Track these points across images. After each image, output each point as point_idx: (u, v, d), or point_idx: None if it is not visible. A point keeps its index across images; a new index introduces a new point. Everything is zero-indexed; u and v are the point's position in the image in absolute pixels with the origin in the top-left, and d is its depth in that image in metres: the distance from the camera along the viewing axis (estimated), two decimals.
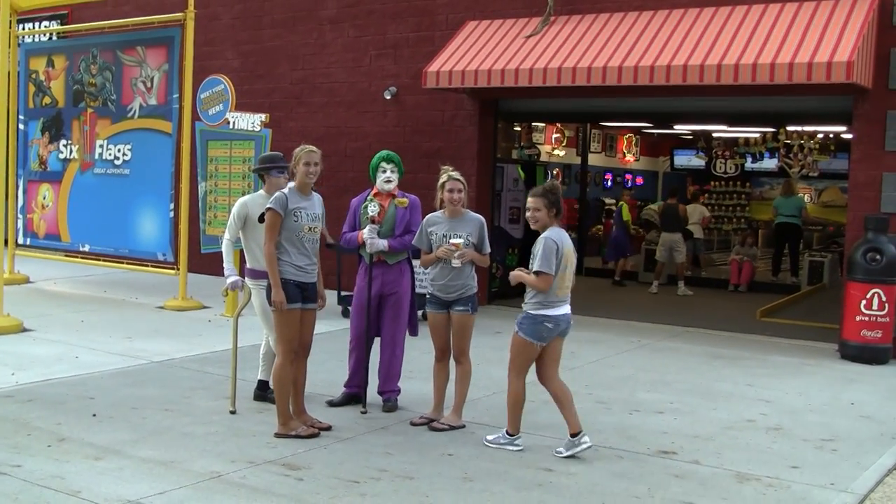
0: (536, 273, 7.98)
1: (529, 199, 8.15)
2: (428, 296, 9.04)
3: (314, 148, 8.62)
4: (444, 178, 8.93)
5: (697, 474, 7.73)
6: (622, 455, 8.17)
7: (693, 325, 15.28)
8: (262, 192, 9.18)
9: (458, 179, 8.91)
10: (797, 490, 7.38)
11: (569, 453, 8.03)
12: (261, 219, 8.70)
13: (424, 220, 9.11)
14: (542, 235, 8.07)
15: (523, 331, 8.12)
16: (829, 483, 7.56)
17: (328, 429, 8.61)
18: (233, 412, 9.01)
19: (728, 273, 21.08)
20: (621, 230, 21.08)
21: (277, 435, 8.35)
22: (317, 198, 8.66)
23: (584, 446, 8.05)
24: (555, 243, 7.99)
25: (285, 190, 8.48)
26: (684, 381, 11.19)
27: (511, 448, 8.24)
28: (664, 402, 10.12)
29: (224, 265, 9.15)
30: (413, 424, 8.91)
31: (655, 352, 13.03)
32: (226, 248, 9.14)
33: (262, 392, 9.38)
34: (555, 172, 27.21)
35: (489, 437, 8.43)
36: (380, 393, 9.48)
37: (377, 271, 9.32)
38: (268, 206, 8.38)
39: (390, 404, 9.34)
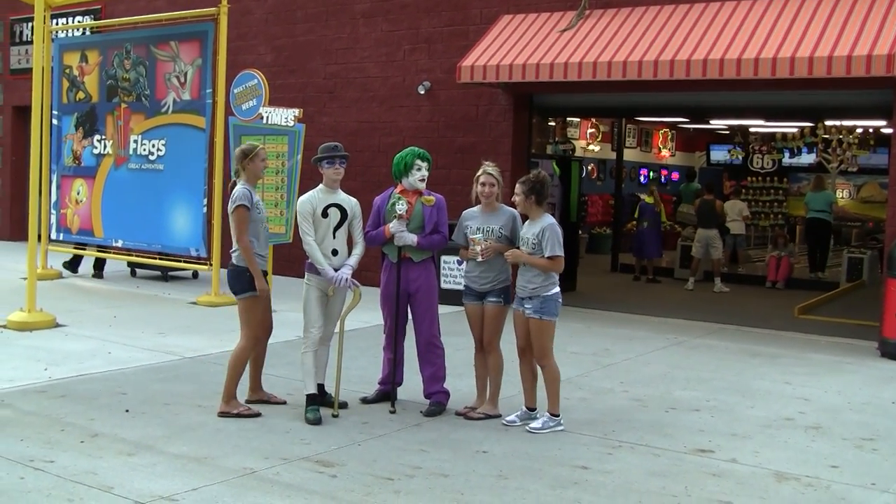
0: (553, 257, 8.52)
1: (518, 185, 8.83)
2: (464, 288, 9.18)
3: (261, 146, 9.38)
4: (479, 171, 9.08)
5: (735, 473, 7.65)
6: (658, 453, 8.10)
7: (730, 322, 15.18)
8: (320, 186, 9.11)
9: (492, 174, 9.00)
10: (837, 490, 7.29)
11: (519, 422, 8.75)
12: (324, 213, 8.91)
13: (462, 214, 9.20)
14: (538, 222, 8.67)
15: (548, 313, 8.58)
16: (871, 483, 7.47)
17: (283, 403, 9.23)
18: (335, 416, 8.95)
19: (765, 269, 20.95)
20: (655, 226, 20.93)
21: (220, 414, 8.78)
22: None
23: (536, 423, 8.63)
24: (560, 228, 8.70)
25: (245, 185, 8.92)
26: (721, 378, 11.10)
27: (560, 429, 8.60)
28: (701, 399, 10.03)
29: (319, 265, 8.89)
30: (458, 414, 9.06)
31: (691, 349, 12.95)
32: (312, 247, 8.99)
33: (322, 396, 9.22)
34: (590, 168, 27.17)
35: (534, 425, 8.63)
36: (426, 396, 9.35)
37: (402, 269, 9.21)
38: (237, 203, 8.79)
39: (432, 409, 9.16)
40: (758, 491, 7.23)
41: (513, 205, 8.98)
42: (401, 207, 9.06)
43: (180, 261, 16.56)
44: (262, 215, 8.95)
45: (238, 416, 8.73)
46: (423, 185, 9.23)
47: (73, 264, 18.74)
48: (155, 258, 17.23)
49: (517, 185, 8.79)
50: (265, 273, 9.02)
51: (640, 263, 21.07)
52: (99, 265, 18.74)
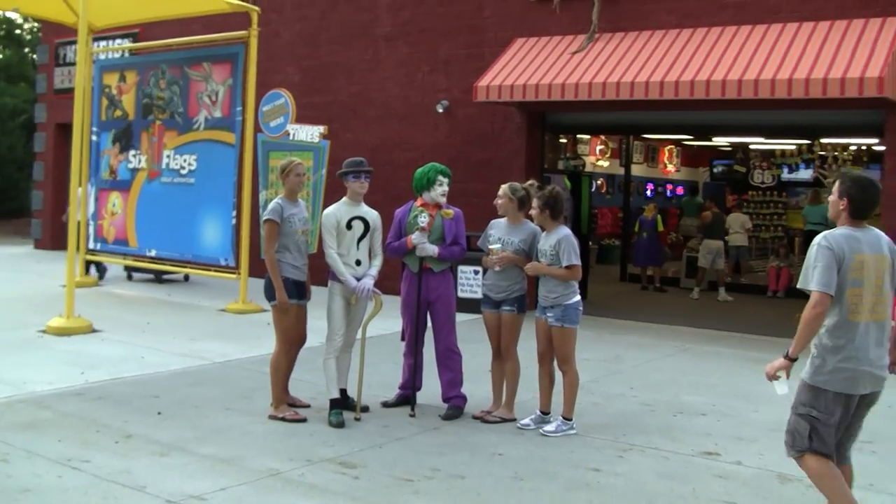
0: (570, 266, 8.48)
1: (534, 199, 8.78)
2: (482, 296, 9.15)
3: (300, 160, 9.30)
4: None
5: (740, 475, 7.55)
6: (667, 456, 8.01)
7: (733, 329, 15.06)
8: (344, 199, 9.04)
9: (505, 189, 9.05)
10: None
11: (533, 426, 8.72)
12: (348, 226, 8.86)
13: (490, 224, 9.23)
14: (553, 233, 8.63)
15: (570, 321, 8.54)
16: (869, 484, 7.35)
17: (307, 406, 9.18)
18: (358, 419, 8.87)
19: (766, 279, 20.83)
20: (653, 238, 20.86)
21: (270, 417, 8.78)
22: (302, 203, 9.20)
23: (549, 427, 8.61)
24: (575, 239, 8.66)
25: (279, 200, 8.93)
26: (726, 384, 11.00)
27: (573, 432, 8.55)
28: (707, 404, 9.94)
29: (341, 276, 8.80)
30: (475, 418, 9.01)
31: (698, 356, 12.84)
32: (334, 258, 8.90)
33: (345, 400, 9.08)
34: (599, 182, 27.06)
35: (548, 429, 8.58)
36: (444, 400, 9.28)
37: (423, 278, 9.17)
38: (265, 217, 8.83)
39: (450, 412, 9.09)
40: (762, 492, 7.16)
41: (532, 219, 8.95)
42: (423, 220, 9.02)
43: (211, 269, 16.50)
44: (294, 227, 8.84)
45: (283, 419, 8.70)
46: (444, 200, 9.20)
47: (99, 271, 19.03)
48: (186, 266, 17.20)
49: (534, 199, 8.76)
50: (304, 284, 9.01)
51: (646, 273, 20.99)
52: (101, 269, 19.17)
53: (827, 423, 5.84)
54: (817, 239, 5.87)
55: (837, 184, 6.04)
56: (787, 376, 5.88)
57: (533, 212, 8.75)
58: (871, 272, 5.84)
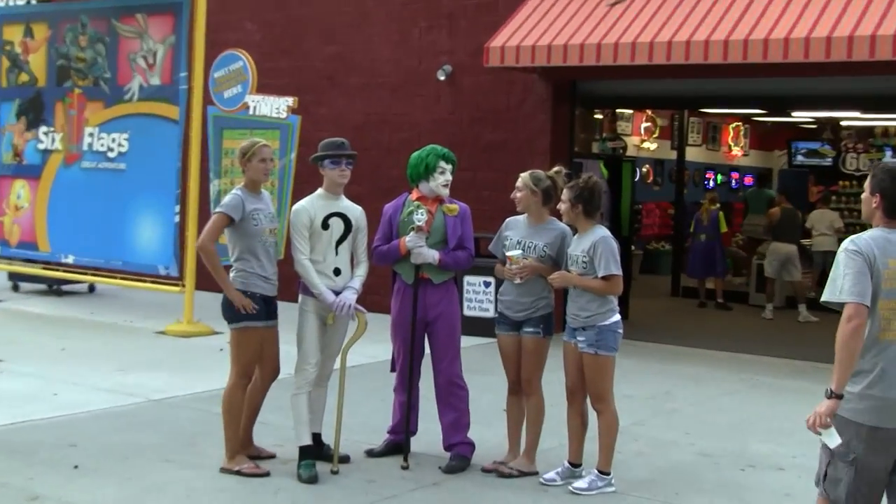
0: (608, 277, 8.42)
1: (564, 190, 8.80)
2: (497, 315, 9.14)
3: (265, 142, 9.13)
4: None
5: None
6: None
7: (820, 359, 14.96)
8: (319, 191, 9.06)
9: (521, 177, 9.02)
10: None
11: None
12: (325, 224, 8.88)
13: (504, 222, 9.20)
14: (587, 235, 8.61)
15: (606, 347, 8.49)
16: None
17: (271, 456, 9.14)
18: (335, 472, 8.87)
19: None
20: (714, 241, 20.87)
21: (222, 470, 8.72)
22: (267, 195, 9.17)
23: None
24: (616, 242, 8.65)
25: (238, 191, 8.83)
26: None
27: (611, 490, 8.52)
28: (785, 456, 9.92)
29: (315, 287, 8.80)
30: (485, 471, 8.97)
31: (774, 392, 12.84)
32: (306, 266, 8.90)
33: (319, 448, 9.12)
34: (645, 170, 27.10)
35: (579, 485, 8.56)
36: (447, 448, 9.27)
37: (420, 292, 9.14)
38: (217, 209, 8.78)
39: (454, 464, 9.08)
40: None
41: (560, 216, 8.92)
42: (420, 217, 8.96)
43: (147, 280, 16.51)
44: (260, 226, 8.79)
45: (239, 473, 8.66)
46: (446, 192, 9.19)
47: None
48: (116, 277, 17.19)
49: (563, 191, 8.77)
50: (275, 300, 8.98)
51: (705, 286, 21.01)
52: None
53: (844, 459, 5.86)
54: (844, 243, 5.96)
55: (869, 177, 6.14)
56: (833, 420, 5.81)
57: (561, 207, 8.74)
58: None
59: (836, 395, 5.79)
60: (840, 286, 5.84)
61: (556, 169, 9.20)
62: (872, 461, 5.86)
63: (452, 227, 9.12)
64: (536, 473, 8.88)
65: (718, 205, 21.43)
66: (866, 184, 6.15)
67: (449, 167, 9.18)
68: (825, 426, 5.78)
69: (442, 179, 9.11)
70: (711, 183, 29.33)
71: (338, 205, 8.99)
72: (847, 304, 5.79)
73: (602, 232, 8.63)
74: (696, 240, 21.08)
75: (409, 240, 8.97)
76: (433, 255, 9.00)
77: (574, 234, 8.77)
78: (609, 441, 8.62)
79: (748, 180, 30.33)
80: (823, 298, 5.96)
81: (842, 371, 5.79)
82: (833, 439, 5.81)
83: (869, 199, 6.10)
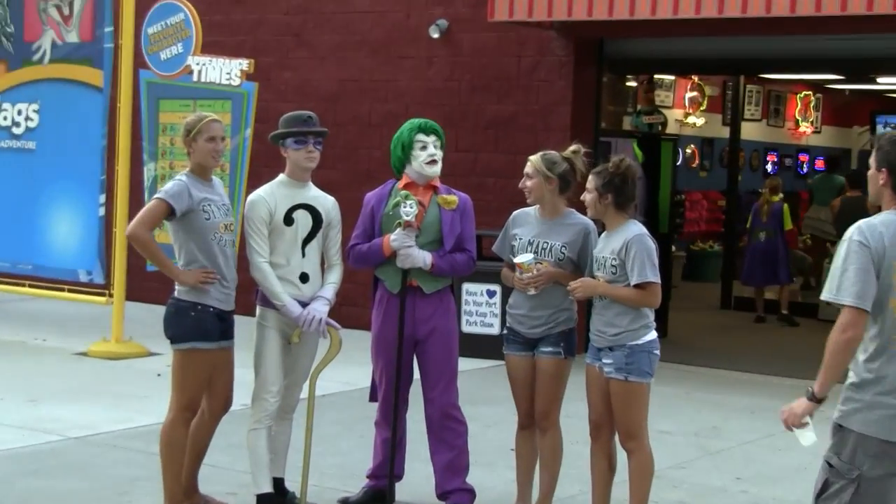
0: (643, 285, 8.26)
1: (590, 177, 8.63)
2: (506, 331, 9.11)
3: (216, 116, 9.02)
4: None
5: None
6: None
7: None
8: (281, 177, 9.11)
9: (531, 161, 8.94)
10: None
11: None
12: (288, 219, 8.88)
13: (511, 217, 9.15)
14: (618, 233, 8.49)
15: (638, 372, 8.35)
16: None
17: None
18: None
19: None
20: (776, 240, 20.86)
21: None
22: (218, 181, 9.13)
23: None
24: (653, 241, 8.48)
25: (183, 177, 8.73)
26: None
27: None
28: None
29: (276, 297, 8.81)
30: None
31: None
32: (265, 271, 8.88)
33: (282, 497, 9.21)
34: (690, 151, 27.14)
35: None
36: (440, 496, 9.30)
37: (408, 303, 9.14)
38: (156, 195, 8.73)
39: None
40: None
41: (579, 209, 8.91)
42: (407, 211, 8.87)
43: (65, 289, 16.55)
44: (213, 220, 8.69)
45: None
46: (435, 172, 9.14)
47: None
48: (24, 285, 17.18)
49: (589, 178, 8.65)
50: (231, 315, 8.90)
51: (763, 296, 21.03)
52: None
53: (847, 475, 6.12)
54: (849, 231, 6.28)
55: (873, 151, 6.43)
56: (811, 419, 6.26)
57: (586, 198, 8.64)
58: None
59: (816, 399, 6.19)
60: (837, 285, 6.14)
61: (573, 148, 9.11)
62: (878, 477, 6.11)
63: (450, 224, 9.09)
64: None
65: (782, 195, 21.39)
66: (871, 159, 6.43)
67: (431, 139, 9.12)
68: (800, 426, 6.26)
69: (424, 155, 9.06)
70: (773, 168, 29.36)
71: (304, 194, 9.01)
72: (844, 307, 6.09)
73: (637, 229, 8.50)
74: (755, 239, 21.06)
75: (394, 238, 8.91)
76: (424, 259, 8.96)
77: (600, 232, 8.76)
78: (642, 488, 8.58)
79: (819, 164, 30.36)
80: (823, 296, 6.26)
81: (828, 376, 6.18)
82: (808, 437, 6.23)
83: (875, 176, 6.39)
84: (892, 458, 6.06)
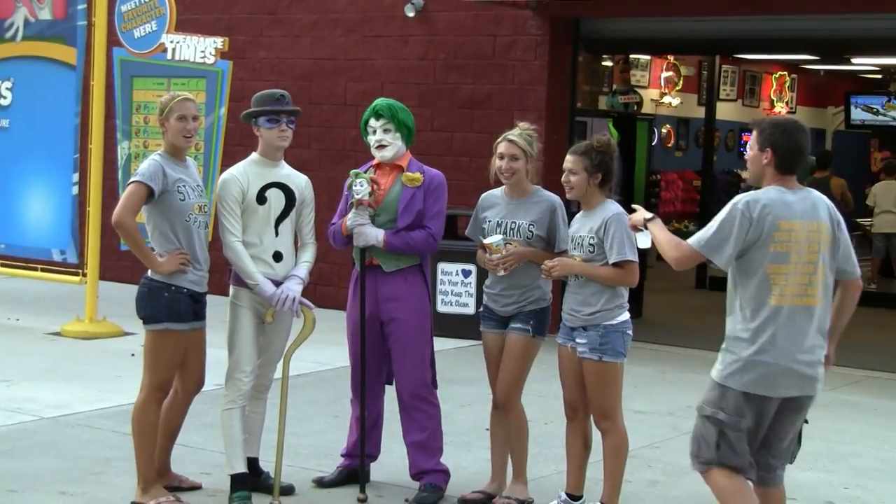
0: (621, 263, 8.32)
1: (567, 158, 8.64)
2: (482, 309, 9.15)
3: (189, 95, 8.94)
4: (500, 138, 8.98)
5: None
6: None
7: (880, 367, 15.11)
8: (253, 156, 9.07)
9: (515, 141, 8.89)
10: None
11: None
12: (261, 198, 8.84)
13: (480, 200, 9.16)
14: (596, 212, 8.52)
15: (612, 352, 8.39)
16: None
17: (197, 487, 9.13)
18: None
19: None
20: None
21: None
22: (192, 161, 9.07)
23: None
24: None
25: (157, 157, 8.69)
26: (867, 454, 11.09)
27: None
28: (836, 485, 10.02)
29: (250, 277, 8.76)
30: (465, 502, 8.97)
31: (821, 408, 12.84)
32: (238, 250, 8.85)
33: (256, 477, 9.17)
34: (665, 131, 27.17)
35: None
36: (414, 476, 9.25)
37: (369, 282, 9.14)
38: (133, 178, 8.63)
39: (424, 496, 9.06)
40: None
41: (558, 189, 8.88)
42: (359, 190, 8.90)
43: (38, 268, 16.50)
44: (187, 202, 8.66)
45: None
46: (385, 156, 9.10)
47: None
48: None
49: (572, 159, 8.58)
50: (204, 296, 8.89)
51: None
52: None
53: (736, 427, 6.95)
54: (738, 198, 7.04)
55: (755, 133, 7.21)
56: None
57: (573, 178, 8.59)
58: (801, 245, 6.98)
59: (650, 220, 7.50)
60: (706, 237, 7.05)
61: (525, 125, 9.12)
62: (755, 426, 7.04)
63: (409, 201, 9.04)
64: (532, 502, 8.88)
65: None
66: (752, 141, 7.22)
67: (380, 123, 9.08)
68: (638, 231, 7.60)
69: (374, 140, 9.09)
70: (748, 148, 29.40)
71: (277, 173, 8.98)
72: (695, 249, 7.11)
73: (615, 208, 8.49)
74: None
75: (348, 218, 8.94)
76: (377, 236, 8.93)
77: (569, 209, 8.75)
78: (616, 468, 8.57)
79: None
80: (689, 240, 7.19)
81: (658, 232, 7.41)
82: (644, 240, 7.58)
83: (758, 157, 7.15)
84: (766, 409, 6.96)
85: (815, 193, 7.27)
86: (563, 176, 8.56)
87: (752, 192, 7.04)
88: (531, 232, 8.82)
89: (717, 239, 6.96)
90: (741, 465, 6.98)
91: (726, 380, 6.98)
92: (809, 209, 7.06)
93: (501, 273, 8.76)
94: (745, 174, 21.34)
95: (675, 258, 7.21)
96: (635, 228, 7.58)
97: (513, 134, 8.94)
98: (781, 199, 6.98)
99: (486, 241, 8.75)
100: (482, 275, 9.16)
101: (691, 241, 7.15)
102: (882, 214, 20.98)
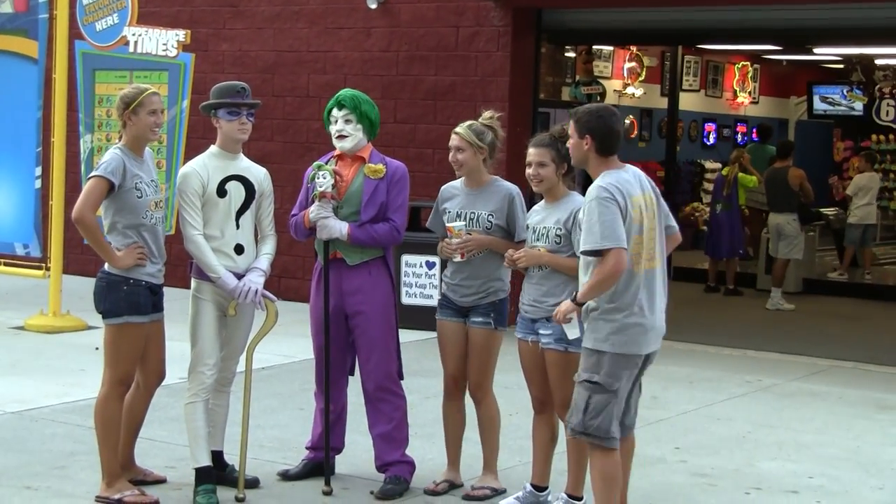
0: (595, 251, 7.65)
1: (530, 151, 8.63)
2: (440, 298, 9.17)
3: (154, 88, 8.90)
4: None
5: None
6: None
7: (846, 357, 15.13)
8: (212, 149, 9.04)
9: (459, 133, 8.93)
10: None
11: None
12: (221, 191, 8.81)
13: (440, 191, 9.18)
14: (562, 203, 8.57)
15: (578, 344, 8.08)
16: None
17: (161, 481, 9.11)
18: (240, 500, 8.85)
19: None
20: (735, 213, 20.87)
21: (99, 499, 8.63)
22: (149, 154, 9.03)
23: None
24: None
25: (118, 151, 8.64)
26: (832, 443, 11.11)
27: None
28: (800, 475, 10.02)
29: (212, 270, 8.73)
30: (430, 493, 8.98)
31: (786, 397, 12.94)
32: (199, 244, 8.81)
33: (221, 470, 9.15)
34: (628, 122, 27.18)
35: None
36: (380, 468, 9.26)
37: (333, 275, 9.11)
38: (94, 172, 8.59)
39: (389, 488, 9.05)
40: None
41: (518, 180, 8.87)
42: (322, 182, 8.90)
43: (1, 262, 16.43)
44: (144, 198, 8.63)
45: (120, 503, 8.56)
46: (345, 146, 9.07)
47: None
48: None
49: (538, 151, 8.55)
50: (161, 289, 8.86)
51: (716, 268, 21.01)
52: None
53: (611, 388, 7.48)
54: (593, 193, 7.47)
55: (572, 123, 7.71)
56: (579, 318, 7.69)
57: (541, 171, 8.52)
58: (646, 215, 7.64)
59: (577, 303, 7.58)
60: (598, 233, 7.35)
61: (489, 114, 9.14)
62: (625, 386, 7.61)
63: (371, 193, 9.02)
64: (505, 491, 8.89)
65: (737, 168, 21.22)
66: (570, 130, 7.74)
67: (342, 113, 9.04)
68: (566, 322, 7.75)
69: (335, 130, 9.06)
70: (712, 139, 29.43)
71: (236, 166, 8.95)
72: (611, 251, 7.32)
73: (580, 200, 8.34)
74: (716, 212, 21.08)
75: (311, 210, 8.93)
76: (341, 229, 8.91)
77: (528, 200, 8.73)
78: (581, 459, 8.49)
79: (757, 134, 30.48)
80: (583, 248, 7.47)
81: (592, 294, 7.50)
82: (573, 331, 7.82)
83: (579, 144, 7.66)
84: (638, 367, 7.65)
85: (634, 168, 7.88)
86: (531, 169, 8.52)
87: (602, 181, 7.53)
88: (490, 222, 8.87)
89: (615, 226, 7.34)
90: (609, 429, 7.48)
91: (600, 345, 7.46)
92: (639, 183, 7.71)
93: (458, 259, 8.80)
94: (708, 164, 21.38)
95: (615, 271, 7.38)
96: (561, 322, 7.81)
97: (460, 126, 8.99)
98: (621, 177, 7.57)
99: (450, 224, 8.80)
100: (446, 266, 9.11)
101: (601, 244, 7.36)
102: (862, 207, 21.00)
